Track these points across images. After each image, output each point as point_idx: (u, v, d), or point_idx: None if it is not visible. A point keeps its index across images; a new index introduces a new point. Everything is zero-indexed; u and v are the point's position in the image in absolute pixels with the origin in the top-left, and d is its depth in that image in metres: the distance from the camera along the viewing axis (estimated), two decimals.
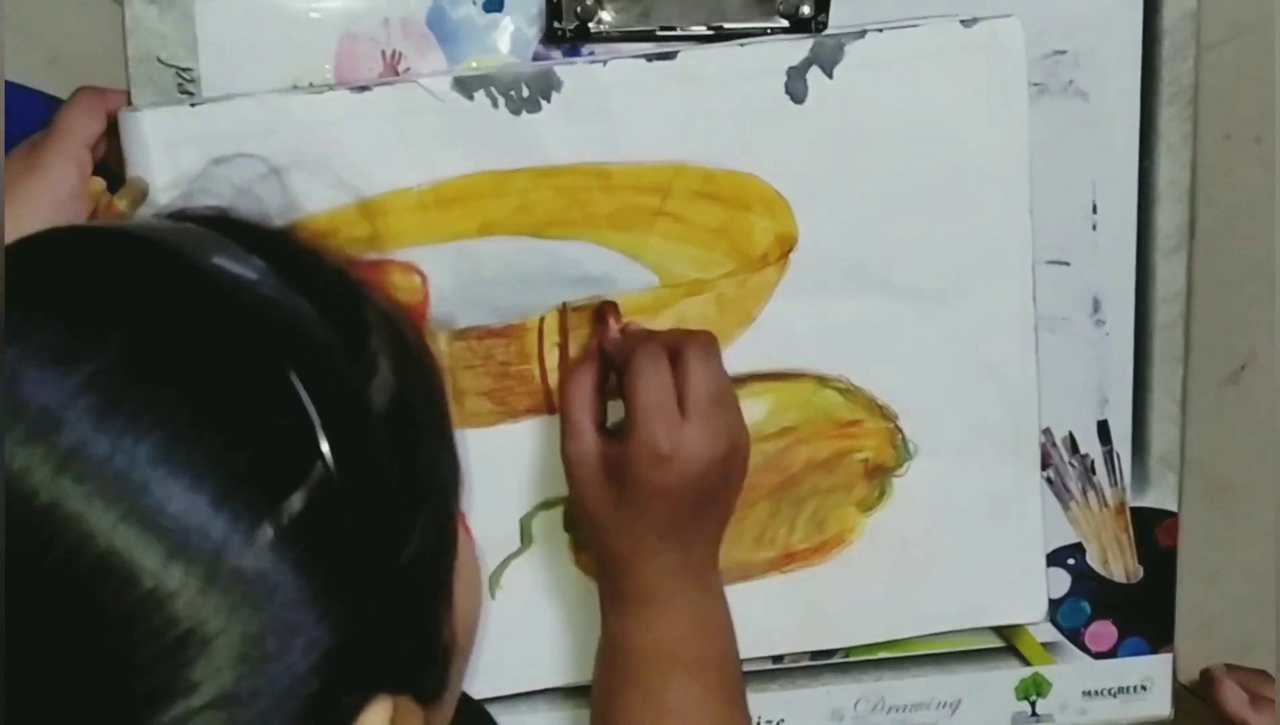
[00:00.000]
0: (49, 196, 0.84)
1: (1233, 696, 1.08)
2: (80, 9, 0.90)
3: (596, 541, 0.87)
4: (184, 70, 0.88)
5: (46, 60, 0.91)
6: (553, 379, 0.92)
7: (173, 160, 0.86)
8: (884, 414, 0.95)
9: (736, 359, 0.92)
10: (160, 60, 0.88)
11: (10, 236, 0.54)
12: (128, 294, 0.52)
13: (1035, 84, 0.93)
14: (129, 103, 0.88)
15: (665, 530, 0.85)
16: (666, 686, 0.85)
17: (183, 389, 0.50)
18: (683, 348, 0.85)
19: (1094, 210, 0.95)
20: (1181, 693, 1.04)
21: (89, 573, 0.48)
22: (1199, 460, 1.03)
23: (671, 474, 0.83)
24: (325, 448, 0.51)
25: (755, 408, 0.93)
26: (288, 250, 0.57)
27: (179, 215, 0.59)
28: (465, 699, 0.69)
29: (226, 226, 0.57)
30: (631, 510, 0.84)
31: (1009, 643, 1.00)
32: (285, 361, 0.52)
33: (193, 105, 0.88)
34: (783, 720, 0.99)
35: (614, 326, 0.90)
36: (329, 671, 0.51)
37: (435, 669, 0.59)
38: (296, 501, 0.50)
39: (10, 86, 0.88)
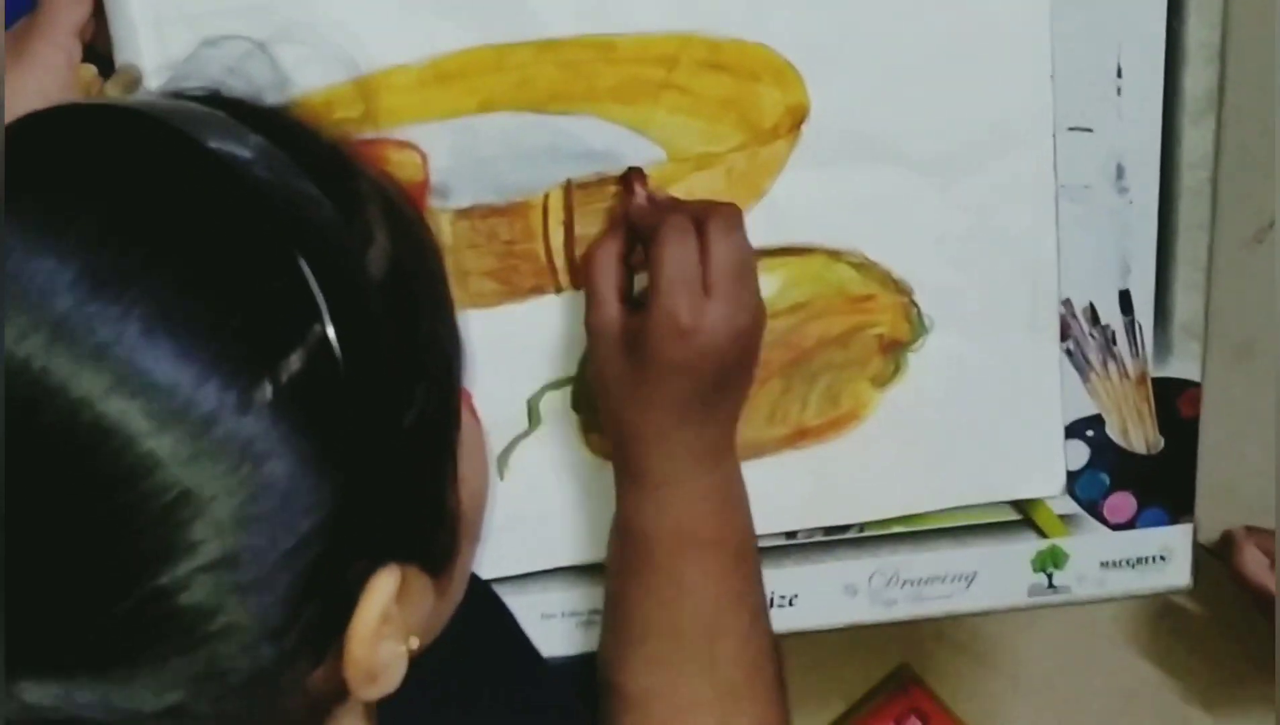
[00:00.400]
0: (37, 88, 0.81)
1: (1252, 560, 1.08)
2: None
3: (614, 418, 0.86)
4: None
5: None
6: (558, 257, 0.90)
7: (161, 40, 0.84)
8: (899, 288, 0.93)
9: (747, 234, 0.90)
10: None
11: None
12: (118, 164, 0.52)
13: None
14: None
15: (683, 408, 0.83)
16: (684, 566, 0.85)
17: (174, 256, 0.50)
18: (707, 219, 0.82)
19: (1119, 74, 0.92)
20: (1202, 558, 1.03)
21: (83, 439, 0.48)
22: (1221, 322, 1.00)
23: (691, 349, 0.81)
24: (323, 311, 0.52)
25: (767, 284, 0.91)
26: (281, 125, 0.57)
27: (173, 95, 0.58)
28: (474, 580, 0.69)
29: (220, 104, 0.57)
30: (650, 385, 0.83)
31: (1026, 516, 0.99)
32: (280, 229, 0.52)
33: None
34: (796, 596, 0.98)
35: (640, 194, 0.87)
36: (331, 536, 0.52)
37: (441, 537, 0.59)
38: (294, 362, 0.51)
39: None
